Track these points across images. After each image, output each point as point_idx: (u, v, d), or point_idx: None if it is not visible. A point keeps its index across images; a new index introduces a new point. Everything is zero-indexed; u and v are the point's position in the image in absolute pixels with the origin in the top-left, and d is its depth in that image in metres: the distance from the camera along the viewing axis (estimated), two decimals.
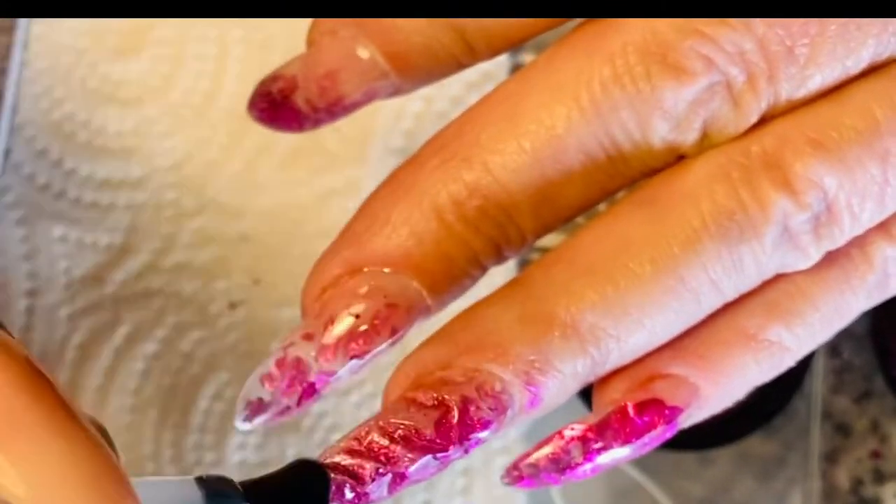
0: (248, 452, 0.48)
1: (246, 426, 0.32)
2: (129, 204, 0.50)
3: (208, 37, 0.51)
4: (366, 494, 0.31)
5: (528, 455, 0.33)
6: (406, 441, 0.31)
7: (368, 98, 0.35)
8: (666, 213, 0.32)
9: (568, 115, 0.32)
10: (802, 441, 0.48)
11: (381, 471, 0.31)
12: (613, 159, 0.32)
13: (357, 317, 0.32)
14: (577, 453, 0.32)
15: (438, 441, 0.31)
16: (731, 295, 0.32)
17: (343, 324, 0.32)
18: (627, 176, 0.32)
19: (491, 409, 0.31)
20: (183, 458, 0.48)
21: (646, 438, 0.32)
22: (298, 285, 0.51)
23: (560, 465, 0.32)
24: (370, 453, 0.31)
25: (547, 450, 0.32)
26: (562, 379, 0.32)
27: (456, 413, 0.31)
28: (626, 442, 0.32)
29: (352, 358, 0.33)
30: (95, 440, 0.28)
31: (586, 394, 0.47)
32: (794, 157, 0.31)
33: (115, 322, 0.49)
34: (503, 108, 0.32)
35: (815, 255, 0.32)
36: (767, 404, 0.47)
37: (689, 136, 0.32)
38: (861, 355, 0.48)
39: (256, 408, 0.32)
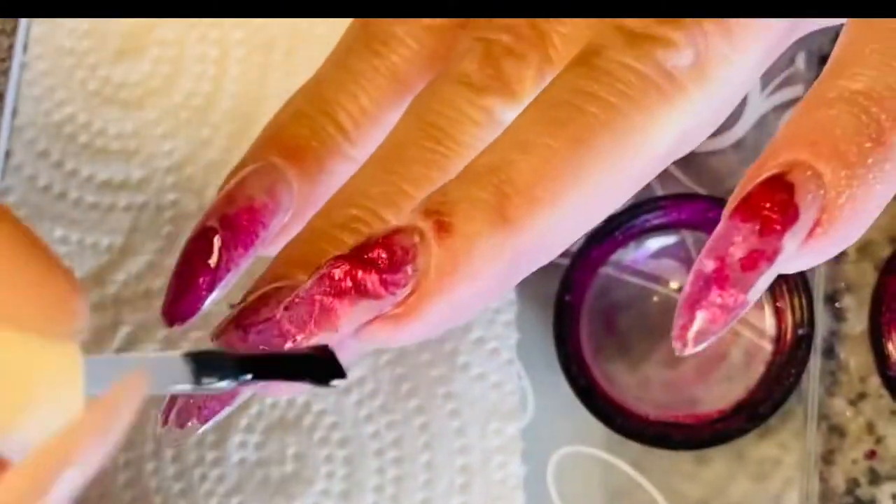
0: (248, 451, 0.48)
1: None
2: (130, 205, 0.50)
3: (209, 39, 0.51)
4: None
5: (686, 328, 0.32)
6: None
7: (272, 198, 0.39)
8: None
9: None
10: (798, 442, 0.48)
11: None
12: None
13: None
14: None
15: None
16: None
17: None
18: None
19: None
20: (184, 457, 0.48)
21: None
22: None
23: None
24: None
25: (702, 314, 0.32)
26: None
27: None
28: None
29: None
30: (18, 225, 0.28)
31: (588, 399, 0.47)
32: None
33: (116, 323, 0.49)
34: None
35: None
36: (763, 405, 0.47)
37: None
38: (857, 356, 0.48)
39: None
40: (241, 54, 0.51)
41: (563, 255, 0.48)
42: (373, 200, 0.37)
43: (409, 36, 0.40)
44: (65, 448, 0.28)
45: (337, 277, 0.33)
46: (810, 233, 0.32)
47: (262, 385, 0.33)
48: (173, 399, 0.36)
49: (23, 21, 0.51)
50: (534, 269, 0.35)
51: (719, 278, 0.32)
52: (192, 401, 0.36)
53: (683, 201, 0.48)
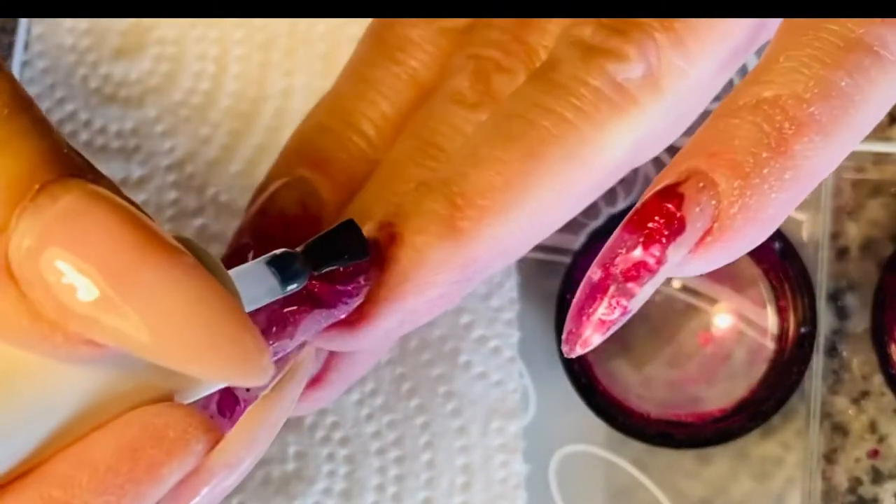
0: None
1: None
2: None
3: (209, 37, 0.51)
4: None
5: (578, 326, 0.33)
6: None
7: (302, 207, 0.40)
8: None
9: None
10: (801, 441, 0.48)
11: None
12: None
13: None
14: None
15: None
16: None
17: None
18: None
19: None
20: None
21: None
22: None
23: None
24: None
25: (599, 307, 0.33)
26: None
27: None
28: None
29: None
30: (208, 277, 0.28)
31: (590, 398, 0.47)
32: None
33: None
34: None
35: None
36: (765, 404, 0.47)
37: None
38: (859, 355, 0.48)
39: None
40: (240, 53, 0.51)
41: (565, 253, 0.49)
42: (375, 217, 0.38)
43: (425, 41, 0.41)
44: (265, 411, 0.30)
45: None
46: (700, 241, 0.32)
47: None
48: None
49: (23, 19, 0.51)
50: (488, 274, 0.36)
51: (604, 287, 0.33)
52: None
53: None
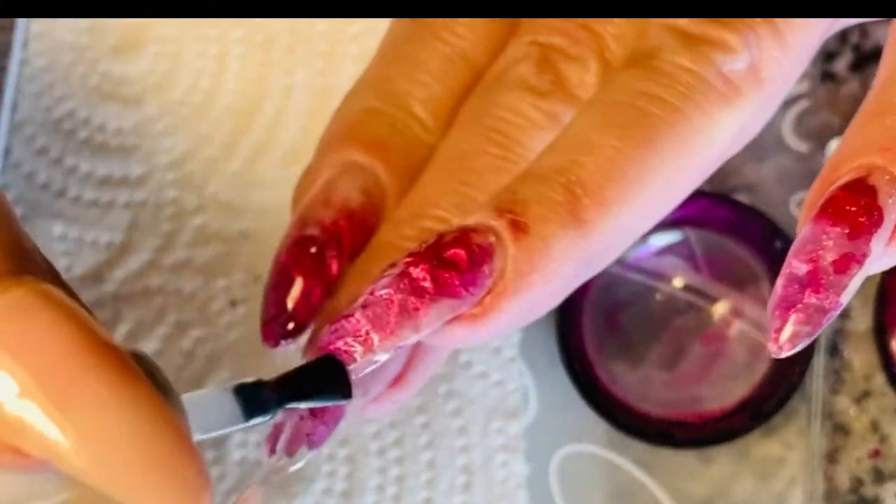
0: (248, 450, 0.48)
1: None
2: (130, 202, 0.50)
3: (209, 35, 0.51)
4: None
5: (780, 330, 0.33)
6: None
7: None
8: None
9: None
10: (802, 440, 0.48)
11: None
12: None
13: None
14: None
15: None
16: None
17: None
18: None
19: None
20: None
21: None
22: None
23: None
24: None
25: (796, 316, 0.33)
26: None
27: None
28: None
29: None
30: (155, 397, 0.27)
31: (592, 397, 0.47)
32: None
33: (115, 320, 0.49)
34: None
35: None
36: (767, 404, 0.47)
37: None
38: (861, 354, 0.48)
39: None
40: (240, 51, 0.51)
41: None
42: (445, 211, 0.37)
43: (474, 21, 0.40)
44: None
45: (416, 277, 0.33)
46: (892, 235, 0.32)
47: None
48: (279, 427, 0.36)
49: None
50: (598, 270, 0.35)
51: (813, 281, 0.32)
52: (301, 427, 0.35)
53: (687, 198, 0.48)
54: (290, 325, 0.37)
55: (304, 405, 0.32)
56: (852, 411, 0.48)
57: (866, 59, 0.49)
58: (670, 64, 0.35)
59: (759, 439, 0.48)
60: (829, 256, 0.32)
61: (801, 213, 0.33)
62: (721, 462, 0.48)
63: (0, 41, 0.51)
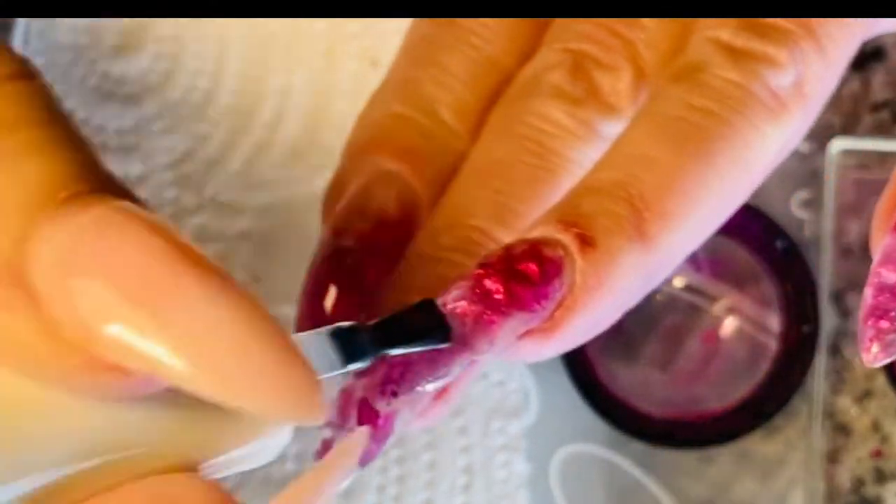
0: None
1: None
2: None
3: (208, 35, 0.51)
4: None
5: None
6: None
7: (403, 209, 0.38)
8: None
9: None
10: (803, 441, 0.48)
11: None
12: None
13: None
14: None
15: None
16: None
17: None
18: None
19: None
20: None
21: None
22: (299, 282, 0.50)
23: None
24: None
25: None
26: None
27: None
28: None
29: None
30: (250, 298, 0.26)
31: (592, 397, 0.47)
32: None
33: None
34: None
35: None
36: (768, 403, 0.47)
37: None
38: None
39: None
40: (239, 50, 0.51)
41: None
42: (483, 220, 0.36)
43: (502, 25, 0.39)
44: (310, 488, 0.29)
45: (490, 289, 0.32)
46: None
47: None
48: (327, 444, 0.35)
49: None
50: (656, 285, 0.35)
51: None
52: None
53: None
54: None
55: (402, 350, 0.31)
56: (853, 411, 0.48)
57: (867, 59, 0.49)
58: (720, 79, 0.35)
59: (760, 439, 0.48)
60: None
61: (874, 221, 0.33)
62: (722, 462, 0.48)
63: (0, 41, 0.51)
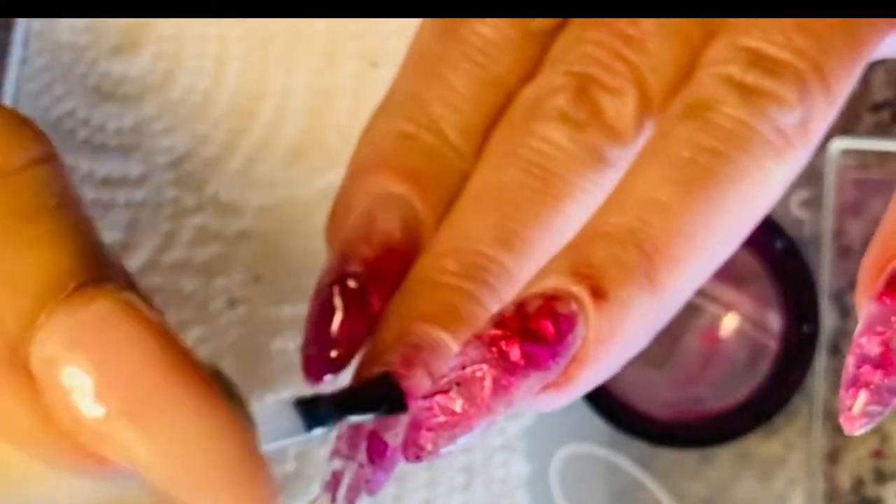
0: None
1: None
2: (129, 201, 0.50)
3: (208, 34, 0.51)
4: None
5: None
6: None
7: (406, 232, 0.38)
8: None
9: None
10: (804, 440, 0.48)
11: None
12: None
13: None
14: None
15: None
16: None
17: None
18: None
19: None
20: None
21: None
22: (299, 282, 0.51)
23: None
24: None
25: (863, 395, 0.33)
26: None
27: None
28: None
29: None
30: (230, 411, 0.28)
31: (592, 397, 0.47)
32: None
33: None
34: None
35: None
36: (768, 403, 0.47)
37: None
38: None
39: None
40: (239, 50, 0.51)
41: None
42: (487, 245, 0.36)
43: (508, 43, 0.39)
44: None
45: (506, 352, 0.32)
46: None
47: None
48: (337, 476, 0.35)
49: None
50: (663, 325, 0.35)
51: (885, 362, 0.32)
52: (360, 475, 0.35)
53: None
54: (334, 354, 0.37)
55: (359, 418, 0.33)
56: None
57: None
58: (729, 118, 0.35)
59: (760, 439, 0.48)
60: None
61: (858, 288, 0.33)
62: (722, 462, 0.48)
63: (0, 40, 0.51)
